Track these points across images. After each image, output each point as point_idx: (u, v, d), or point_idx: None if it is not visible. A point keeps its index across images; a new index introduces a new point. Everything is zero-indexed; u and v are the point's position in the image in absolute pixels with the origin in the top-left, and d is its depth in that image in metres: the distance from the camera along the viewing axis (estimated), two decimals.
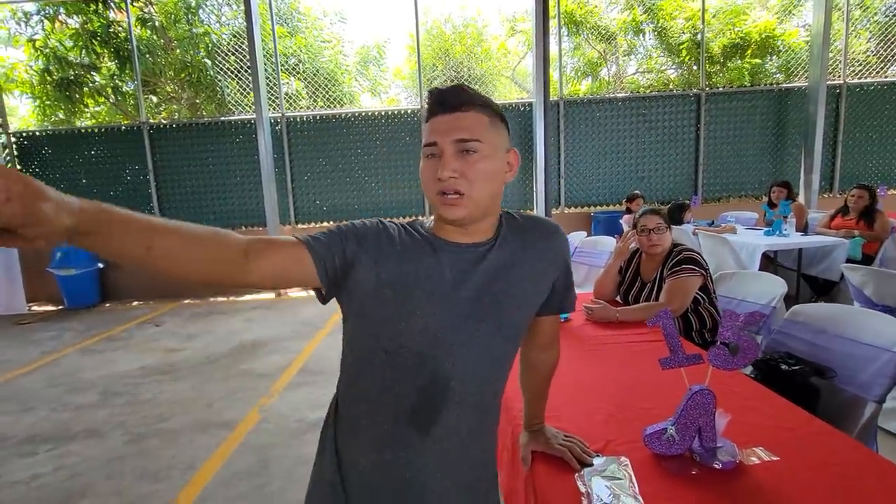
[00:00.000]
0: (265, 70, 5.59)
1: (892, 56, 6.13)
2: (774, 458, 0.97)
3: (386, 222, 0.79)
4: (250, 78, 5.49)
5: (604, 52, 6.82)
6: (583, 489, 0.88)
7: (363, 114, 5.96)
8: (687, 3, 6.31)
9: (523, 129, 5.89)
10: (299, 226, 6.01)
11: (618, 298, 2.21)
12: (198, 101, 6.56)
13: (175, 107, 6.96)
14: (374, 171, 5.96)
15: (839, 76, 5.88)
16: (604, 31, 6.56)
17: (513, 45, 7.27)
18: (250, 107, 5.86)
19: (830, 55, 5.64)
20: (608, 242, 3.64)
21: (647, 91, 6.44)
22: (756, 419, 1.12)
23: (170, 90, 6.89)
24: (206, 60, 6.12)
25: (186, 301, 5.71)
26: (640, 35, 6.55)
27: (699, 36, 5.94)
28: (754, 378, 1.54)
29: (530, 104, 5.72)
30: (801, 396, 1.45)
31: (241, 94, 6.07)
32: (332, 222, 5.82)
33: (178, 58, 6.28)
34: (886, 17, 6.22)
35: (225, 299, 5.68)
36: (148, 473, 2.17)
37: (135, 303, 5.79)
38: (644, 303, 2.03)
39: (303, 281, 0.72)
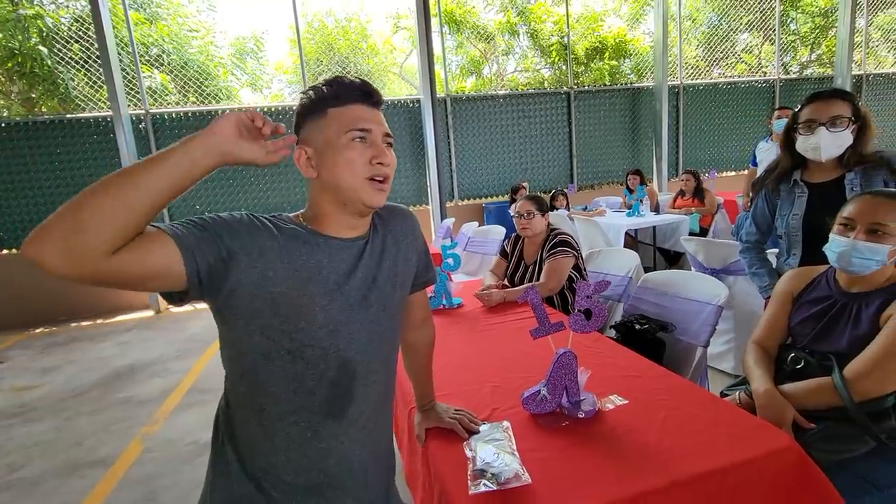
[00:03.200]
0: (120, 61, 4.94)
1: (715, 61, 7.37)
2: (625, 402, 1.16)
3: (257, 216, 0.75)
4: (101, 70, 4.82)
5: (485, 51, 7.19)
6: (469, 454, 0.97)
7: (243, 111, 5.55)
8: (553, 9, 6.91)
9: (413, 125, 5.98)
10: None
11: (505, 281, 2.40)
12: (33, 95, 5.56)
13: (2, 102, 5.83)
14: (259, 171, 5.61)
15: (677, 77, 6.90)
16: (483, 32, 6.91)
17: (398, 41, 7.32)
18: (105, 103, 5.14)
19: (669, 59, 6.59)
20: (499, 231, 3.89)
21: (525, 88, 6.94)
22: (612, 372, 1.31)
23: None
24: (42, 48, 5.21)
25: (38, 330, 4.86)
26: (516, 36, 7.03)
27: (565, 39, 6.55)
28: (616, 339, 1.79)
29: (419, 100, 5.83)
30: (651, 349, 1.73)
31: (92, 87, 5.28)
32: None
33: (3, 44, 5.26)
34: (708, 28, 7.44)
35: (90, 323, 4.95)
36: None
37: None
38: (528, 283, 2.23)
39: (162, 278, 0.63)
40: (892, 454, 1.12)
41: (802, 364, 1.22)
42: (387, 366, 0.88)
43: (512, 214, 2.34)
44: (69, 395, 3.15)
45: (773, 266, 1.78)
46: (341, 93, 0.78)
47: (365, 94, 0.79)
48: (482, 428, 1.06)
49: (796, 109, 1.58)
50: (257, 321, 0.72)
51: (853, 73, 7.32)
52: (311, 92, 0.80)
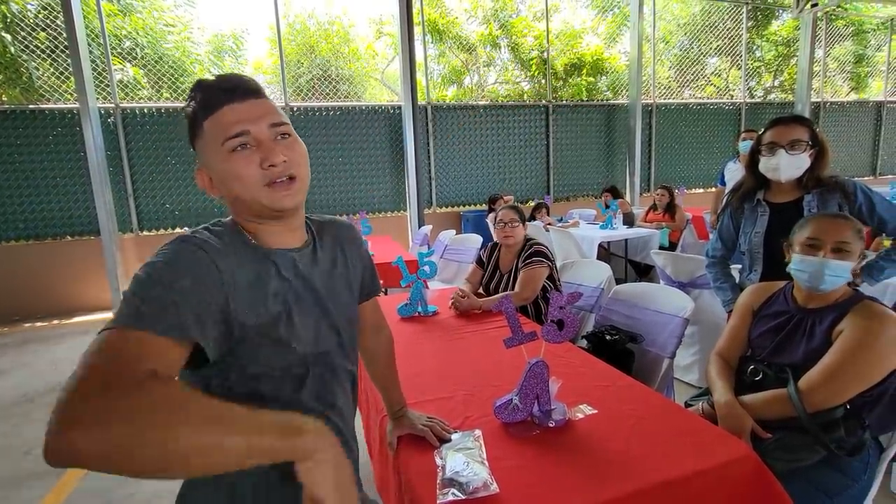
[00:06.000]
0: (90, 52, 4.77)
1: (686, 82, 7.66)
2: (595, 411, 1.18)
3: (200, 242, 0.65)
4: (69, 60, 4.64)
5: (466, 61, 7.27)
6: (439, 463, 0.97)
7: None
8: (534, 24, 7.06)
9: (394, 132, 5.98)
10: (143, 233, 5.26)
11: (480, 290, 2.41)
12: None
13: None
14: None
15: (651, 96, 7.14)
16: (465, 42, 6.99)
17: (381, 47, 7.31)
18: (71, 94, 4.94)
19: (643, 79, 6.82)
20: (476, 240, 3.92)
21: (505, 100, 7.05)
22: (582, 381, 1.34)
23: None
24: (5, 34, 4.98)
25: None
26: (497, 48, 7.14)
27: (545, 54, 6.71)
28: (587, 349, 1.82)
29: (400, 107, 5.84)
30: (621, 359, 1.77)
31: (59, 78, 5.07)
32: (186, 229, 5.18)
33: None
34: (680, 50, 7.74)
35: (46, 324, 4.72)
36: None
37: None
38: (503, 292, 2.25)
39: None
40: (841, 463, 1.18)
41: (761, 376, 1.28)
42: (354, 367, 0.89)
43: (494, 223, 2.35)
44: (19, 399, 2.98)
45: (737, 281, 1.85)
46: (207, 99, 0.69)
47: (228, 90, 0.68)
48: (454, 436, 1.07)
49: (760, 133, 1.67)
50: (252, 353, 0.69)
51: (812, 100, 7.75)
52: (187, 108, 0.71)
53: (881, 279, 1.58)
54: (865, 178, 8.43)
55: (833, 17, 8.07)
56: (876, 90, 8.85)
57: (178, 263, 0.61)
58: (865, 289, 1.52)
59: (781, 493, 0.97)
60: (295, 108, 5.61)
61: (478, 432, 1.08)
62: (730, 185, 3.83)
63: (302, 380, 0.75)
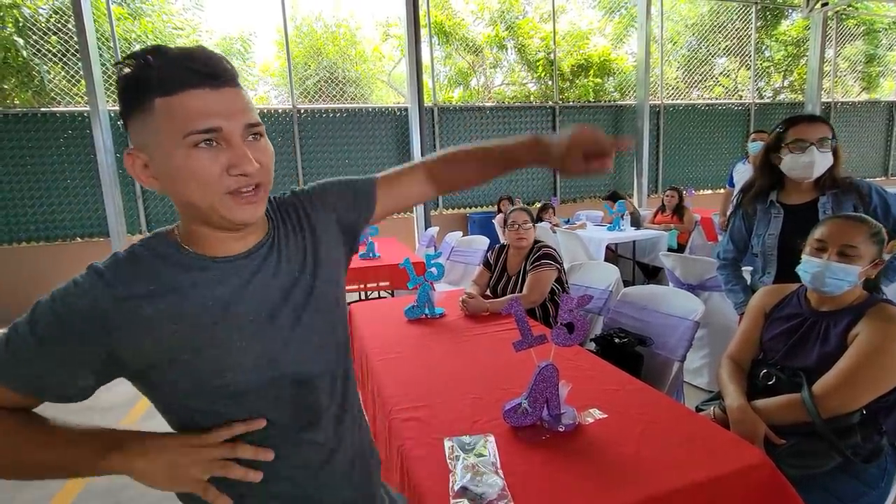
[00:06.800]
0: (100, 55, 4.82)
1: (694, 82, 7.61)
2: (604, 416, 1.17)
3: (89, 285, 0.60)
4: (80, 63, 4.69)
5: (472, 63, 7.27)
6: (450, 467, 0.96)
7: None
8: (541, 25, 7.05)
9: (400, 133, 5.99)
10: None
11: (488, 292, 2.40)
12: (5, 86, 5.38)
13: None
14: None
15: (658, 97, 7.09)
16: (471, 44, 6.99)
17: (387, 49, 7.33)
18: (82, 97, 5.00)
19: (651, 79, 6.78)
20: (482, 241, 3.91)
21: (512, 102, 7.04)
22: (592, 385, 1.33)
23: None
24: (17, 38, 5.05)
25: None
26: (504, 50, 7.13)
27: (552, 55, 6.69)
28: (596, 352, 1.81)
29: (406, 109, 5.85)
30: (629, 362, 1.76)
31: (69, 81, 5.13)
32: None
33: None
34: (688, 51, 7.69)
35: None
36: None
37: None
38: (511, 294, 2.24)
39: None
40: (857, 470, 1.15)
41: (774, 380, 1.26)
42: (344, 361, 0.76)
43: (505, 225, 2.33)
44: None
45: (748, 283, 1.83)
46: (167, 75, 0.55)
47: (203, 75, 0.55)
48: (465, 438, 1.06)
49: (780, 130, 1.61)
50: (174, 392, 0.63)
51: (822, 100, 7.66)
52: (127, 68, 0.56)
53: None
54: (877, 179, 8.32)
55: (843, 16, 7.99)
56: (887, 90, 8.74)
57: (55, 313, 0.59)
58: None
59: (797, 499, 0.95)
60: (302, 111, 5.64)
61: (491, 438, 1.07)
62: (738, 187, 3.78)
63: (264, 406, 0.66)
